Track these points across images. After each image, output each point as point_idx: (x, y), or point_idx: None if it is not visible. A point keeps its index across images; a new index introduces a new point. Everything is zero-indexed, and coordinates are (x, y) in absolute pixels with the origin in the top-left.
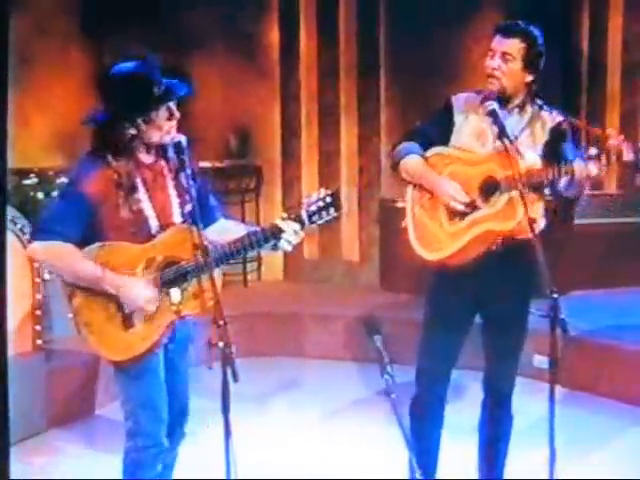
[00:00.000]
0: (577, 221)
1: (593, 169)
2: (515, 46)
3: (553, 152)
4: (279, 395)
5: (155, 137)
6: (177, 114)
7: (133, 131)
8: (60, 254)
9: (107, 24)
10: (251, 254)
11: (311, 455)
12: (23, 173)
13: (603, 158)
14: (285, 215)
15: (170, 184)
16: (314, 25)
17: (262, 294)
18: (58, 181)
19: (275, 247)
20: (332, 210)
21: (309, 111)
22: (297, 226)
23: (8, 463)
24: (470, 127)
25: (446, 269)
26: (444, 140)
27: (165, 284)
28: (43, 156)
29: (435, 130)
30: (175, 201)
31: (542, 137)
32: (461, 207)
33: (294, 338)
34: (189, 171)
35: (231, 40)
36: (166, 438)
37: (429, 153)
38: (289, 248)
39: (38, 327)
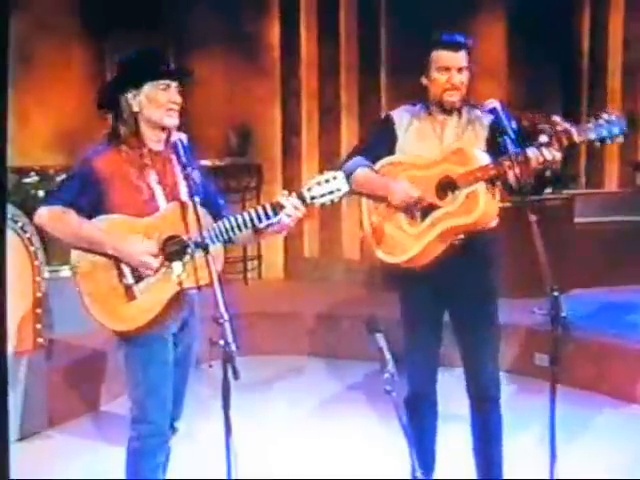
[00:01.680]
0: (578, 220)
1: (547, 154)
2: (464, 58)
3: (495, 147)
4: (279, 393)
5: (155, 115)
6: (179, 99)
7: (136, 108)
8: (60, 216)
9: (109, 22)
10: (251, 254)
11: (311, 453)
12: (23, 171)
13: (555, 143)
14: (287, 192)
15: (179, 174)
16: (315, 23)
17: (262, 292)
18: (58, 179)
19: (275, 227)
20: (335, 191)
21: (310, 109)
22: (298, 202)
23: (8, 463)
24: (414, 134)
25: (410, 269)
26: (389, 153)
27: (167, 257)
28: (44, 154)
29: (379, 144)
30: (184, 190)
31: (483, 134)
32: (414, 196)
33: (294, 336)
34: (190, 169)
35: (232, 39)
36: None
37: (379, 164)
38: (289, 221)
39: (38, 325)
